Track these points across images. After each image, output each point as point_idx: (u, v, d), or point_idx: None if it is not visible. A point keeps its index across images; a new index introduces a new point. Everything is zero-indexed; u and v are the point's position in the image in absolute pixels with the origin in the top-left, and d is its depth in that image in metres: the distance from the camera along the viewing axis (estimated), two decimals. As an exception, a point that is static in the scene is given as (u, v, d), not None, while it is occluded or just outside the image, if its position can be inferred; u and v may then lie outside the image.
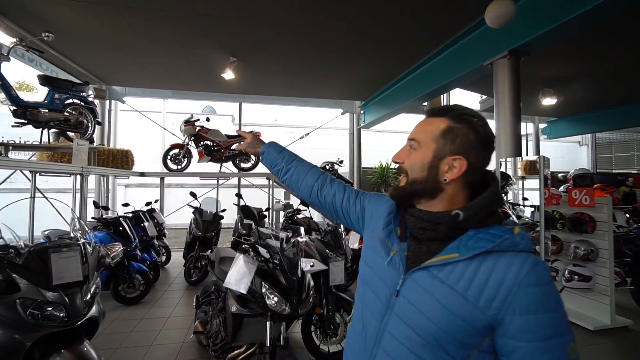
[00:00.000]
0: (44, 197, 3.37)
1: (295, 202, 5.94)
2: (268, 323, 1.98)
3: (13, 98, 3.40)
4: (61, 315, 1.98)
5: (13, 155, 3.81)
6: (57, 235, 3.75)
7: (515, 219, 3.93)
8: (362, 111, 7.59)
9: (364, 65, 5.13)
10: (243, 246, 2.08)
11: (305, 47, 4.50)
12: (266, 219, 5.87)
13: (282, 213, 6.17)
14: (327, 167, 6.79)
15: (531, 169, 7.88)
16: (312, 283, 2.27)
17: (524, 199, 6.86)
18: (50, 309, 1.98)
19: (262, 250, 2.10)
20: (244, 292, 1.89)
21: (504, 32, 3.14)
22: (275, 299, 1.95)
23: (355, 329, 0.86)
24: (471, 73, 4.00)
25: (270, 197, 6.39)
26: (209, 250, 4.61)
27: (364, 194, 1.05)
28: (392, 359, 0.74)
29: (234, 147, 6.03)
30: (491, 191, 0.75)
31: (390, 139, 13.19)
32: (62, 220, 3.51)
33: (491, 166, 0.91)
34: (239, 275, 1.89)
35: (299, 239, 2.44)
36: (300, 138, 7.68)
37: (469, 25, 3.73)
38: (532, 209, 5.83)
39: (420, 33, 4.02)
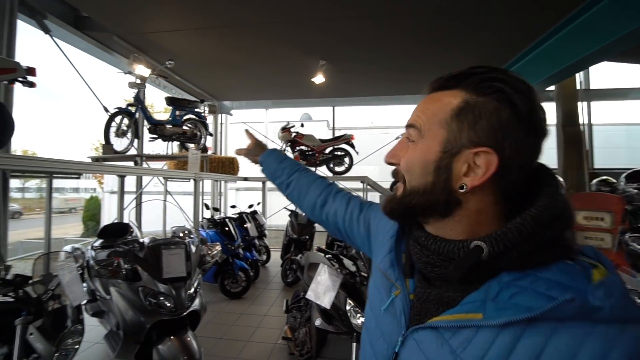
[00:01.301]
0: (173, 199, 3.96)
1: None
2: (354, 345, 1.75)
3: (148, 118, 4.13)
4: (170, 305, 2.18)
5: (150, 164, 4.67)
6: (180, 231, 4.41)
7: None
8: (467, 103, 6.65)
9: (470, 48, 4.42)
10: (326, 256, 1.91)
11: (399, 40, 4.14)
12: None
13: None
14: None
15: None
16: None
17: None
18: (162, 298, 2.20)
19: (347, 262, 1.89)
20: (328, 307, 1.71)
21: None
22: (362, 319, 1.70)
23: None
24: (633, 34, 2.92)
25: (364, 201, 6.16)
26: (300, 255, 4.69)
27: (371, 206, 0.80)
28: None
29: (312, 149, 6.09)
30: (544, 204, 0.44)
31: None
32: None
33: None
34: (322, 288, 1.73)
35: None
36: (396, 139, 7.21)
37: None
38: None
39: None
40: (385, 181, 6.35)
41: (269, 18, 3.60)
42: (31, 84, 2.29)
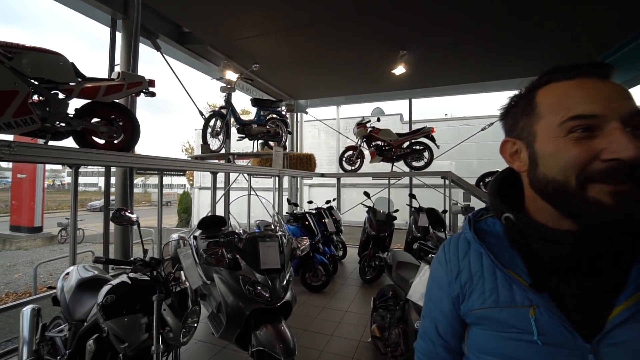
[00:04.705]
0: (255, 194, 4.23)
1: (477, 204, 5.07)
2: (461, 354, 1.59)
3: (237, 119, 4.47)
4: (266, 295, 2.30)
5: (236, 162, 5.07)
6: (263, 225, 4.68)
7: None
8: (574, 85, 5.68)
9: (581, 20, 3.73)
10: (429, 256, 1.78)
11: (489, 21, 3.72)
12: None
13: (460, 217, 5.43)
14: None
15: None
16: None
17: None
18: (259, 288, 2.33)
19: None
20: (431, 310, 1.59)
21: None
22: (472, 327, 1.54)
23: None
24: None
25: (447, 198, 5.74)
26: (385, 253, 4.57)
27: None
28: None
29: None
30: None
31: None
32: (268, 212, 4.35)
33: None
34: (424, 289, 1.61)
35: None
36: (482, 130, 6.55)
37: None
38: None
39: None
40: (469, 176, 5.82)
41: (346, 12, 3.56)
42: (152, 94, 2.65)
